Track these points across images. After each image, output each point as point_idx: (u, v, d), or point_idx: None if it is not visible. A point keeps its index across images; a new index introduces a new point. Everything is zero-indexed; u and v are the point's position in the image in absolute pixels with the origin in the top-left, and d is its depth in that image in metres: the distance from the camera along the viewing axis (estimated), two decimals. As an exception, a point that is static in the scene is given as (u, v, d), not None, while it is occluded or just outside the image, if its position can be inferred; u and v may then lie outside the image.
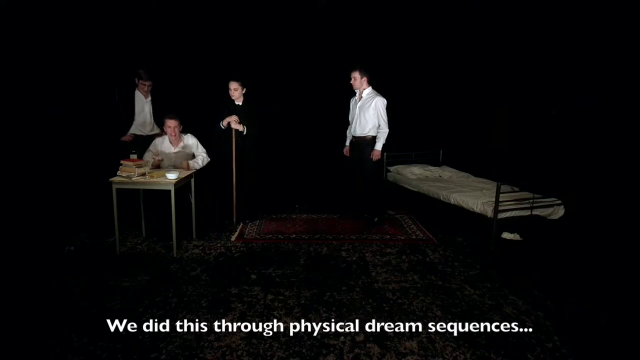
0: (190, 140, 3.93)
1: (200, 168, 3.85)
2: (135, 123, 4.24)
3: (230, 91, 4.12)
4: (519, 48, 5.02)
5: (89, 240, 3.77)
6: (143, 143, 4.11)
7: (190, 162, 3.79)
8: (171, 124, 3.72)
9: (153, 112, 4.31)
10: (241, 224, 4.33)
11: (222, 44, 5.34)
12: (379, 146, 4.22)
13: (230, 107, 4.17)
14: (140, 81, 4.14)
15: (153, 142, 3.90)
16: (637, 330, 2.44)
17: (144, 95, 4.23)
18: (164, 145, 3.85)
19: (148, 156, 3.77)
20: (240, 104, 4.20)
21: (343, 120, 4.60)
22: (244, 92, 4.19)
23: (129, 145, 4.10)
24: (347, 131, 4.53)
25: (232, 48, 5.37)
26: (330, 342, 2.28)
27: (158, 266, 3.26)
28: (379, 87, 4.31)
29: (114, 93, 4.41)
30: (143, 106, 4.25)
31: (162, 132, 4.27)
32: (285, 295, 2.79)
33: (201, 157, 3.87)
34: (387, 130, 4.21)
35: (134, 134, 4.24)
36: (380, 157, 4.28)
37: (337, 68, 4.83)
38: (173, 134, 3.76)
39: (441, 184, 4.71)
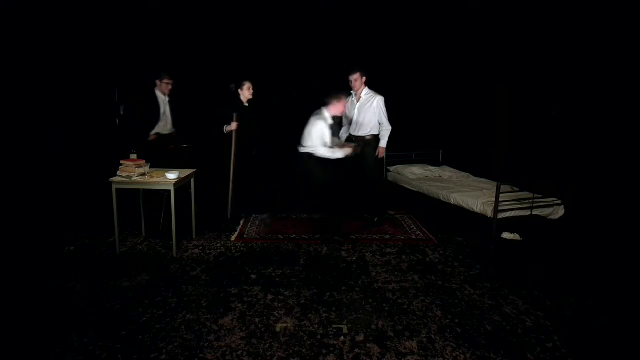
0: None
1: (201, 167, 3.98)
2: (159, 123, 4.30)
3: (247, 91, 4.29)
4: (519, 48, 5.02)
5: (89, 240, 3.77)
6: (165, 142, 4.28)
7: None
8: None
9: (171, 109, 4.39)
10: (241, 223, 4.34)
11: (219, 43, 5.35)
12: (383, 144, 4.26)
13: (239, 108, 4.30)
14: (164, 81, 4.22)
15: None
16: (637, 330, 2.44)
17: (164, 95, 4.30)
18: None
19: None
20: (247, 105, 4.35)
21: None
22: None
23: (149, 145, 4.18)
24: (341, 133, 4.55)
25: (231, 47, 5.38)
26: (330, 342, 2.28)
27: (158, 266, 3.26)
28: (379, 87, 4.31)
29: (115, 93, 4.43)
30: (165, 106, 4.33)
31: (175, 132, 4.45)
32: (285, 295, 2.79)
33: None
34: (390, 127, 4.25)
35: (158, 133, 4.31)
36: (384, 154, 4.35)
37: (337, 68, 4.83)
38: None
39: (441, 184, 4.71)
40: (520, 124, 5.08)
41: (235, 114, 4.22)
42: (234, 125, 4.23)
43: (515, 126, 5.16)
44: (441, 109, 5.91)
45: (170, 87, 4.28)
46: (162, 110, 4.32)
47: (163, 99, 4.31)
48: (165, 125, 4.36)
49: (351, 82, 4.22)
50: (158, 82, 4.24)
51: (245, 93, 4.31)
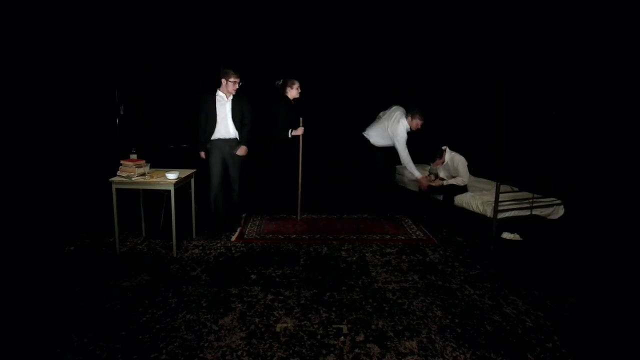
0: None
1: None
2: (217, 128, 3.95)
3: (295, 90, 4.37)
4: (519, 48, 5.02)
5: (89, 240, 3.77)
6: (227, 148, 3.98)
7: None
8: None
9: (233, 109, 3.96)
10: (241, 223, 4.34)
11: (216, 42, 5.34)
12: None
13: (289, 104, 4.39)
14: (230, 79, 3.82)
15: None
16: (637, 330, 2.44)
17: (227, 95, 3.93)
18: None
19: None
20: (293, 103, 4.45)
21: (343, 120, 4.60)
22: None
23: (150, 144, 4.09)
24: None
25: (230, 46, 5.37)
26: (330, 342, 2.28)
27: (158, 266, 3.26)
28: (379, 87, 4.35)
29: (114, 93, 4.42)
30: (225, 108, 3.96)
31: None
32: (285, 295, 2.79)
33: None
34: None
35: (219, 138, 3.97)
36: None
37: (337, 68, 4.84)
38: None
39: (441, 184, 4.70)
40: (520, 124, 5.08)
41: (301, 119, 4.34)
42: (300, 130, 4.33)
43: (515, 126, 5.16)
44: (441, 109, 5.90)
45: (237, 86, 3.85)
46: (219, 113, 3.93)
47: (223, 100, 3.93)
48: (226, 129, 3.96)
49: None
50: (224, 80, 3.83)
51: (293, 92, 4.37)
